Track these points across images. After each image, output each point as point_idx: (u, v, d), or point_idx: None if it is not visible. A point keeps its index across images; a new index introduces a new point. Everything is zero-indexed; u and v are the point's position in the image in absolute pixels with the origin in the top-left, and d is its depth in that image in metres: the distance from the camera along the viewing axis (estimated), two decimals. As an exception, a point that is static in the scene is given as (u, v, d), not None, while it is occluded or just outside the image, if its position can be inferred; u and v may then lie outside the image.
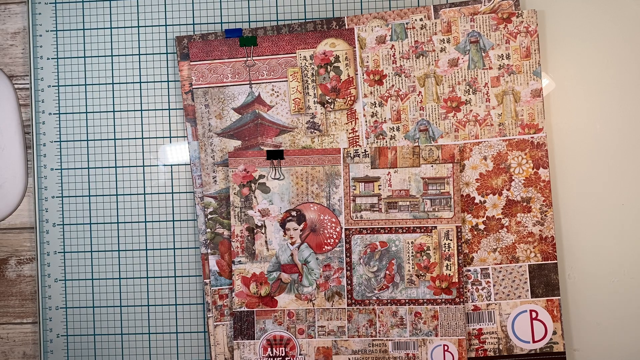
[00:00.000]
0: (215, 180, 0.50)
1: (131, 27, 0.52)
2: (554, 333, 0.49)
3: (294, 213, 0.49)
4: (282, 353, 0.49)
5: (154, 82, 0.51)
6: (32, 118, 0.52)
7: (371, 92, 0.49)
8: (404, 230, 0.49)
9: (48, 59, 0.52)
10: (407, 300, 0.49)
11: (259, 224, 0.49)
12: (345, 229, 0.49)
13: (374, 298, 0.49)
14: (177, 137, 0.52)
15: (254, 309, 0.49)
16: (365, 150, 0.49)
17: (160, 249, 0.52)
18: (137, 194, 0.52)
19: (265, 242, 0.49)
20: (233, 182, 0.49)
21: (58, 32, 0.52)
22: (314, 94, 0.50)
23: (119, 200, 0.52)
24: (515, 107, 0.49)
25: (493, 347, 0.49)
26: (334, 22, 0.49)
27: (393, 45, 0.49)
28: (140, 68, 0.51)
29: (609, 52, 0.50)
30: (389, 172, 0.49)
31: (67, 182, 0.52)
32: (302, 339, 0.49)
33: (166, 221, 0.52)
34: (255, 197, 0.49)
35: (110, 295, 0.52)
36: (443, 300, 0.49)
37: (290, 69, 0.50)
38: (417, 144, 0.49)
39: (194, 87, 0.50)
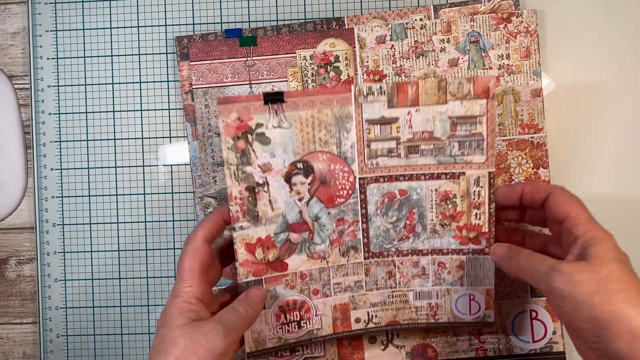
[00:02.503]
0: (215, 180, 0.50)
1: (131, 27, 0.52)
2: (554, 333, 0.49)
3: (300, 165, 0.43)
4: (296, 317, 0.45)
5: (153, 82, 0.51)
6: (32, 118, 0.52)
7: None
8: (427, 177, 0.44)
9: (48, 59, 0.52)
10: (429, 251, 0.45)
11: (261, 182, 0.42)
12: (360, 179, 0.44)
13: (393, 249, 0.45)
14: (177, 137, 0.52)
15: (262, 277, 0.43)
16: (380, 87, 0.42)
17: (160, 249, 0.52)
18: (137, 194, 0.52)
19: (269, 201, 0.43)
20: (225, 134, 0.41)
21: (58, 32, 0.52)
22: (314, 94, 0.49)
23: (119, 200, 0.52)
24: (515, 107, 0.49)
25: (493, 347, 0.49)
26: (334, 22, 0.49)
27: (393, 45, 0.49)
28: (140, 68, 0.51)
29: (609, 52, 0.50)
30: (410, 112, 0.42)
31: (67, 182, 0.52)
32: (317, 299, 0.45)
33: (166, 221, 0.51)
34: (253, 151, 0.42)
35: (111, 295, 0.52)
36: (470, 250, 0.45)
37: (290, 69, 0.50)
38: (443, 77, 0.44)
39: (193, 87, 0.50)
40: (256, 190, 0.42)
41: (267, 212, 0.43)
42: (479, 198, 0.44)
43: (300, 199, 0.43)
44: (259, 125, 0.42)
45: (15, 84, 0.53)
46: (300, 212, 0.44)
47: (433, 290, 0.46)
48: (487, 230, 0.44)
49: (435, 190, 0.44)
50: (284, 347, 0.45)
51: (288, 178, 0.43)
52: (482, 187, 0.44)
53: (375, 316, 0.46)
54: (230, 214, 0.42)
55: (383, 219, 0.45)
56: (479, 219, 0.44)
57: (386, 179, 0.44)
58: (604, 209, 0.50)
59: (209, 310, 0.39)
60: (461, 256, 0.45)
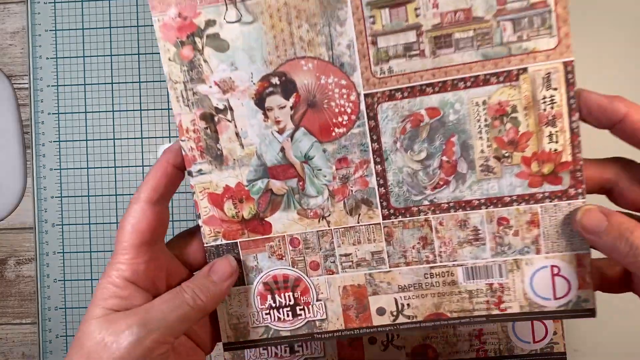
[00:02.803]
0: (215, 180, 0.49)
1: (130, 26, 0.51)
2: (555, 333, 0.49)
3: (275, 80, 0.30)
4: (289, 300, 0.33)
5: (153, 81, 0.51)
6: (31, 118, 0.52)
7: None
8: (469, 83, 0.29)
9: (47, 58, 0.52)
10: (483, 201, 0.30)
11: (221, 106, 0.30)
12: (366, 95, 0.30)
13: (426, 202, 0.31)
14: (177, 137, 0.51)
15: (237, 240, 0.32)
16: None
17: (159, 249, 0.51)
18: (137, 194, 0.51)
19: (236, 134, 0.30)
20: (163, 39, 0.29)
21: (57, 32, 0.52)
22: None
23: (119, 201, 0.52)
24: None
25: (494, 348, 0.49)
26: None
27: None
28: (139, 68, 0.51)
29: (609, 52, 0.50)
30: None
31: (66, 182, 0.52)
32: (317, 276, 0.32)
33: (165, 221, 0.51)
34: (205, 61, 0.30)
35: (110, 296, 0.52)
36: (547, 194, 0.30)
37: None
38: None
39: (193, 86, 0.49)
40: (216, 118, 0.30)
41: (234, 149, 0.31)
42: (552, 107, 0.29)
43: (281, 131, 0.30)
44: (209, 22, 0.29)
45: (15, 83, 0.53)
46: (283, 149, 0.31)
47: (494, 263, 0.31)
48: (570, 158, 0.30)
49: (484, 103, 0.29)
50: (277, 342, 0.33)
51: (260, 100, 0.30)
52: (556, 88, 0.29)
53: (408, 306, 0.32)
54: (183, 153, 0.31)
55: (407, 155, 0.30)
56: (556, 141, 0.29)
57: (406, 93, 0.30)
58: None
59: (150, 291, 0.30)
60: (533, 205, 0.30)
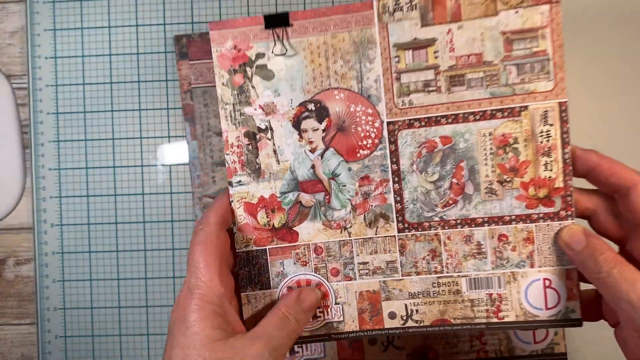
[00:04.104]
0: (214, 180, 0.50)
1: (129, 26, 0.51)
2: (556, 334, 0.49)
3: (311, 106, 0.35)
4: None
5: (152, 81, 0.51)
6: (30, 118, 0.51)
7: None
8: (478, 117, 0.34)
9: (46, 58, 0.51)
10: (486, 219, 0.35)
11: (263, 127, 0.35)
12: (388, 123, 0.35)
13: (437, 219, 0.35)
14: (176, 136, 0.51)
15: (267, 247, 0.36)
16: (410, 0, 0.34)
17: (159, 250, 0.51)
18: (136, 194, 0.51)
19: (274, 151, 0.36)
20: (219, 66, 0.35)
21: (56, 31, 0.51)
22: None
23: (118, 201, 0.51)
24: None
25: (494, 349, 0.49)
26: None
27: None
28: (138, 67, 0.51)
29: (609, 52, 0.50)
30: (450, 30, 0.34)
31: (65, 182, 0.52)
32: (337, 282, 0.36)
33: (165, 221, 0.51)
34: (253, 87, 0.35)
35: (109, 296, 0.51)
36: (541, 215, 0.34)
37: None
38: None
39: (192, 86, 0.49)
40: (257, 136, 0.35)
41: (271, 164, 0.35)
42: (548, 141, 0.34)
43: (313, 150, 0.35)
44: (259, 55, 0.35)
45: (14, 83, 0.53)
46: (313, 166, 0.36)
47: (493, 275, 0.35)
48: (562, 185, 0.34)
49: (490, 134, 0.34)
50: (297, 342, 0.37)
51: (297, 122, 0.35)
52: (552, 124, 0.34)
53: (416, 311, 0.36)
54: (226, 165, 0.35)
55: (421, 176, 0.35)
56: (551, 170, 0.34)
57: (423, 123, 0.35)
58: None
59: (231, 303, 0.33)
60: (529, 224, 0.35)
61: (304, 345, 0.49)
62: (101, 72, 0.51)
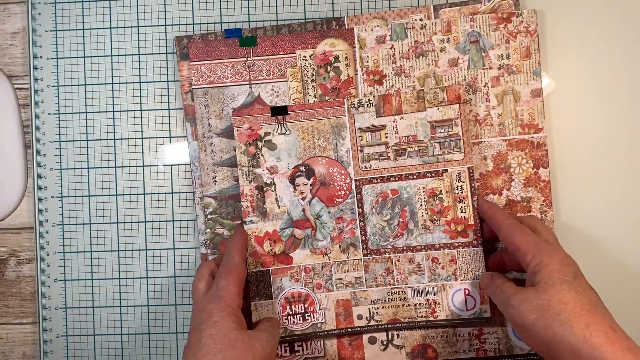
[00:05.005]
0: (215, 181, 0.50)
1: (131, 27, 0.52)
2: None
3: (302, 168, 0.49)
4: (301, 310, 0.49)
5: (153, 82, 0.51)
6: (31, 118, 0.52)
7: (371, 92, 0.49)
8: (415, 176, 0.48)
9: (48, 58, 0.52)
10: (423, 246, 0.48)
11: (268, 182, 0.49)
12: (355, 180, 0.49)
13: (390, 246, 0.49)
14: (177, 137, 0.52)
15: (270, 268, 0.49)
16: (369, 99, 0.48)
17: (160, 249, 0.52)
18: (137, 194, 0.52)
19: (276, 199, 0.49)
20: (238, 141, 0.48)
21: (58, 32, 0.52)
22: (314, 93, 0.50)
23: (119, 200, 0.52)
24: (515, 107, 0.49)
25: (493, 348, 0.49)
26: (333, 22, 0.49)
27: (393, 45, 0.49)
28: (139, 68, 0.51)
29: (609, 52, 0.50)
30: (395, 119, 0.48)
31: (66, 182, 0.52)
32: (320, 293, 0.49)
33: (166, 221, 0.51)
34: (262, 155, 0.49)
35: (110, 296, 0.52)
36: (460, 243, 0.48)
37: (290, 69, 0.50)
38: (421, 88, 0.49)
39: (193, 87, 0.50)
40: (264, 189, 0.49)
41: (274, 209, 0.49)
42: (462, 192, 0.48)
43: (303, 198, 0.49)
44: (267, 133, 0.48)
45: (15, 83, 0.53)
46: (304, 210, 0.49)
47: (429, 286, 0.48)
48: (472, 222, 0.48)
49: (423, 188, 0.48)
50: (290, 338, 0.48)
51: (292, 179, 0.49)
52: (463, 182, 0.48)
53: (377, 313, 0.49)
54: (242, 209, 0.49)
55: (378, 217, 0.49)
56: (464, 212, 0.48)
57: (379, 180, 0.49)
58: (604, 209, 0.51)
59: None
60: (452, 250, 0.48)
61: (304, 345, 0.49)
62: (102, 72, 0.52)
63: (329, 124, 0.48)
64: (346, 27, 0.49)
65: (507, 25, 0.49)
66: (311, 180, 0.49)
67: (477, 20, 0.49)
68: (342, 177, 0.49)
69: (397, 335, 0.50)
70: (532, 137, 0.49)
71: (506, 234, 0.43)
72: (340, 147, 0.49)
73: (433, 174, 0.48)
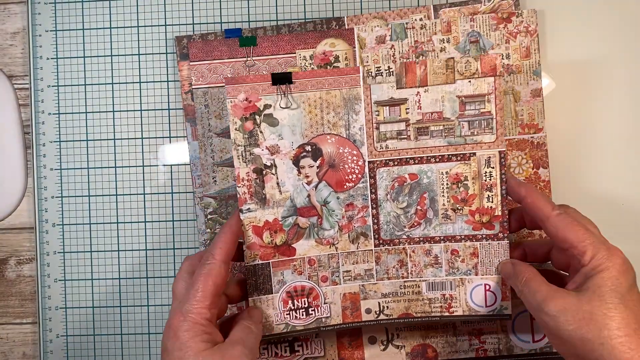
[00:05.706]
0: (215, 181, 0.50)
1: (131, 27, 0.52)
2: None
3: (308, 148, 0.43)
4: (304, 304, 0.44)
5: (153, 82, 0.51)
6: (31, 118, 0.52)
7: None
8: (437, 160, 0.43)
9: (48, 59, 0.52)
10: (442, 237, 0.44)
11: (268, 164, 0.43)
12: (369, 162, 0.44)
13: (404, 237, 0.44)
14: (177, 137, 0.52)
15: (270, 261, 0.44)
16: (389, 67, 0.43)
17: (160, 249, 0.52)
18: (137, 194, 0.52)
19: (277, 184, 0.43)
20: (233, 114, 0.42)
21: (58, 32, 0.52)
22: (314, 93, 0.49)
23: (119, 201, 0.52)
24: (515, 107, 0.49)
25: (493, 347, 0.49)
26: (333, 22, 0.49)
27: (393, 45, 0.49)
28: (139, 68, 0.51)
29: (609, 52, 0.50)
30: (418, 92, 0.43)
31: (66, 182, 0.52)
32: (325, 286, 0.44)
33: (166, 221, 0.51)
34: (261, 132, 0.43)
35: (110, 296, 0.52)
36: (484, 236, 0.44)
37: (290, 69, 0.50)
38: (451, 56, 0.44)
39: (193, 87, 0.50)
40: (264, 172, 0.43)
41: (274, 195, 0.43)
42: (490, 179, 0.43)
43: (309, 183, 0.44)
44: (267, 106, 0.42)
45: (15, 83, 0.53)
46: (309, 196, 0.44)
47: (447, 280, 0.45)
48: (500, 213, 0.43)
49: (446, 173, 0.43)
50: (292, 334, 0.45)
51: (296, 161, 0.43)
52: (493, 167, 0.43)
53: (387, 307, 0.45)
54: (238, 196, 0.43)
55: (393, 204, 0.44)
56: (492, 201, 0.43)
57: (396, 163, 0.43)
58: (604, 209, 0.51)
59: (215, 324, 0.39)
60: (474, 242, 0.44)
61: (304, 344, 0.49)
62: (102, 72, 0.52)
63: (341, 96, 0.42)
64: (346, 27, 0.49)
65: (507, 25, 0.49)
66: (318, 161, 0.43)
67: (477, 20, 0.49)
68: (354, 158, 0.43)
69: (397, 334, 0.50)
70: (532, 137, 0.49)
71: (556, 228, 0.38)
72: (353, 123, 0.43)
73: (459, 158, 0.43)
